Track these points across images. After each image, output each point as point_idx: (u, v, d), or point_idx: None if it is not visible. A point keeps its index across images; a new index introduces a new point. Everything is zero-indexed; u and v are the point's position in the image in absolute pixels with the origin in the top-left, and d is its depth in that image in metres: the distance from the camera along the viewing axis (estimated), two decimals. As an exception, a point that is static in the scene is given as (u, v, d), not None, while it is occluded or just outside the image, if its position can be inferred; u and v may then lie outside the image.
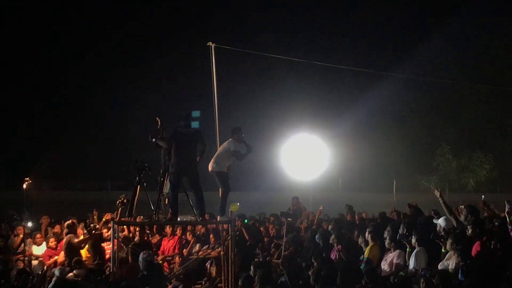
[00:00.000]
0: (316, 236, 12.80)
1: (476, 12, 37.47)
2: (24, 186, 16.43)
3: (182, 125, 12.59)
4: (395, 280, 9.10)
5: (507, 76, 37.71)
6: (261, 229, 16.01)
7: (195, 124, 13.55)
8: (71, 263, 13.27)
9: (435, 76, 34.69)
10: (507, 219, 11.24)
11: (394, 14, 42.22)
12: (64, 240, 14.27)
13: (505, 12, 39.99)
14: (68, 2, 41.95)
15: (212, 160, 13.05)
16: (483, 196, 14.96)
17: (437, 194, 11.96)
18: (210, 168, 13.03)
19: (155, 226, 15.31)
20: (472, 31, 39.71)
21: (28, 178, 16.48)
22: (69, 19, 41.07)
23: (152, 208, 13.13)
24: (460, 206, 12.30)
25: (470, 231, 9.91)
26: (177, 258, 14.48)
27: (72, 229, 14.47)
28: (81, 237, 14.27)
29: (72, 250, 13.89)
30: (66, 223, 14.92)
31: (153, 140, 12.79)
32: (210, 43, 15.54)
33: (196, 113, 13.23)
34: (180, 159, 12.42)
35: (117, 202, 13.76)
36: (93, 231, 14.32)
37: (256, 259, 13.38)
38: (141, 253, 12.45)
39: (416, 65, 35.65)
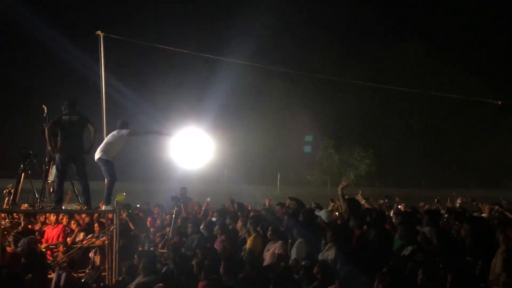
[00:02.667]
0: (201, 227, 12.90)
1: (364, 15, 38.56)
2: None
3: (67, 112, 12.35)
4: (277, 270, 9.24)
5: (388, 75, 38.94)
6: (148, 219, 16.01)
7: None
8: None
9: (321, 73, 35.37)
10: (386, 212, 11.72)
11: (281, 12, 42.61)
12: None
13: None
14: None
15: (99, 149, 12.80)
16: (360, 191, 15.47)
17: (341, 186, 12.11)
18: (96, 157, 12.82)
19: (39, 214, 15.03)
20: (359, 30, 40.82)
21: None
22: None
23: (37, 196, 12.91)
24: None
25: (351, 223, 10.22)
26: (61, 246, 14.28)
27: None
28: None
29: None
30: None
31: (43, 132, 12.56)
32: (99, 32, 15.32)
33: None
34: (67, 146, 12.19)
35: (4, 191, 13.53)
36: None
37: (140, 249, 13.39)
38: (22, 240, 12.23)
39: (302, 63, 36.34)
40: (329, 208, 13.19)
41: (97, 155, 12.74)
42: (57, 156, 12.24)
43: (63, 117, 12.22)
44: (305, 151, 39.81)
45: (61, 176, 12.29)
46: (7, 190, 13.36)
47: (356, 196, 12.46)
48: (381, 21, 41.90)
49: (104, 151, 12.75)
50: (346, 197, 11.67)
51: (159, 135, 14.46)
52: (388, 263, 8.27)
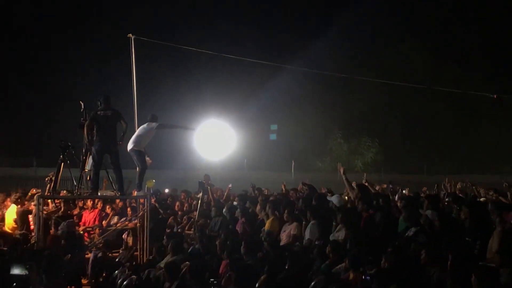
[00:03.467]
0: (224, 210, 12.93)
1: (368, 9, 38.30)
2: None
3: (102, 108, 12.44)
4: (293, 249, 9.25)
5: (392, 70, 38.72)
6: (176, 203, 16.06)
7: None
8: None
9: (331, 70, 35.27)
10: (390, 197, 11.71)
11: (294, 13, 42.41)
12: (19, 210, 13.84)
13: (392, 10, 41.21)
14: None
15: (131, 140, 13.01)
16: (365, 174, 15.47)
17: (341, 170, 12.22)
18: (129, 147, 12.99)
19: (77, 200, 15.14)
20: (364, 28, 40.55)
21: None
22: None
23: (75, 183, 13.05)
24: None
25: (359, 207, 10.22)
26: (97, 229, 14.42)
27: (19, 202, 14.12)
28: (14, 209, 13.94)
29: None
30: (13, 196, 14.55)
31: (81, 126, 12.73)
32: (130, 35, 15.34)
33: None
34: (102, 139, 12.32)
35: (46, 179, 13.69)
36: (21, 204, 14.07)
37: (168, 230, 13.44)
38: (62, 223, 12.33)
39: (314, 58, 36.18)
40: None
41: (129, 146, 12.93)
42: (93, 147, 12.34)
43: (98, 113, 12.33)
44: (271, 138, 39.37)
45: (97, 165, 12.42)
46: (49, 178, 13.48)
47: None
48: (383, 18, 41.47)
49: (135, 142, 12.95)
50: (354, 183, 11.70)
51: (184, 129, 14.51)
52: (393, 243, 8.26)
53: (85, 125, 12.34)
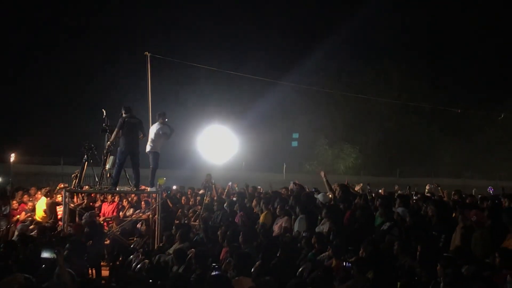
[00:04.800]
0: (225, 205, 12.94)
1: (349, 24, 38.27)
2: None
3: (128, 115, 12.55)
4: (284, 239, 9.26)
5: (371, 87, 38.83)
6: (183, 198, 16.07)
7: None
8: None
9: (318, 85, 35.33)
10: (368, 196, 11.73)
11: (284, 34, 42.35)
12: (48, 202, 13.83)
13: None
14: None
15: (148, 143, 13.07)
16: (346, 178, 15.52)
17: (322, 174, 12.35)
18: (147, 149, 13.06)
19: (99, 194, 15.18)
20: (345, 47, 40.60)
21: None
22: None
23: (97, 180, 13.10)
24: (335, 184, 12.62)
25: (341, 205, 10.26)
26: (115, 219, 14.42)
27: (48, 195, 14.11)
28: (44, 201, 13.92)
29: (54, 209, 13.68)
30: (43, 190, 14.54)
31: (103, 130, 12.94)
32: (147, 53, 15.33)
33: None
34: (129, 142, 12.48)
35: (72, 175, 13.79)
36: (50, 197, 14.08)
37: (177, 222, 13.45)
38: (85, 214, 12.35)
39: (304, 73, 36.32)
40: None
41: (147, 147, 13.00)
42: (119, 148, 12.50)
43: (127, 119, 12.42)
44: (293, 145, 39.62)
45: (121, 164, 12.55)
46: (74, 174, 13.57)
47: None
48: (361, 40, 41.44)
49: (151, 145, 13.00)
50: (335, 184, 11.79)
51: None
52: (370, 235, 8.28)
53: (116, 130, 12.50)
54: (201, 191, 16.72)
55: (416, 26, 42.95)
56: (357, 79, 39.73)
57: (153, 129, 13.24)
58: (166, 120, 13.33)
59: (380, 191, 16.82)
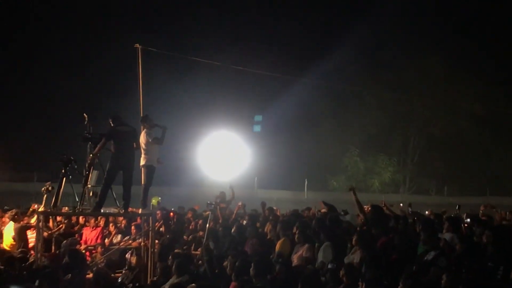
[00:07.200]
0: (233, 230, 12.92)
1: (384, 22, 38.36)
2: None
3: (119, 123, 12.56)
4: (305, 272, 9.23)
5: (409, 85, 38.76)
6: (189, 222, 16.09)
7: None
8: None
9: (346, 83, 35.39)
10: (408, 219, 11.69)
11: (307, 24, 42.60)
12: (16, 227, 13.93)
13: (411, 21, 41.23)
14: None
15: (142, 156, 13.02)
16: (383, 196, 15.50)
17: (351, 192, 12.27)
18: (141, 163, 13.01)
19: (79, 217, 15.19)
20: (379, 41, 40.61)
21: None
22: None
23: (77, 199, 13.05)
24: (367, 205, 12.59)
25: (374, 230, 10.22)
26: (99, 248, 14.42)
27: (16, 219, 14.20)
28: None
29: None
30: (10, 212, 14.64)
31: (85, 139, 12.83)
32: (137, 45, 15.40)
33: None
34: (121, 156, 12.42)
35: (43, 189, 13.57)
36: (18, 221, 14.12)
37: (176, 251, 13.43)
38: (64, 241, 12.37)
39: (329, 73, 36.30)
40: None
41: (142, 161, 12.95)
42: (109, 162, 12.44)
43: (117, 128, 12.42)
44: (254, 130, 38.50)
45: (108, 181, 12.48)
46: (45, 188, 13.37)
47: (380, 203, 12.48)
48: (403, 34, 41.44)
49: (146, 158, 12.93)
50: (367, 206, 11.73)
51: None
52: (411, 267, 8.24)
53: (102, 141, 12.42)
54: (206, 213, 16.67)
55: (468, 11, 42.76)
56: (394, 76, 39.66)
57: (142, 140, 13.22)
58: (152, 122, 13.26)
59: (427, 212, 16.74)
